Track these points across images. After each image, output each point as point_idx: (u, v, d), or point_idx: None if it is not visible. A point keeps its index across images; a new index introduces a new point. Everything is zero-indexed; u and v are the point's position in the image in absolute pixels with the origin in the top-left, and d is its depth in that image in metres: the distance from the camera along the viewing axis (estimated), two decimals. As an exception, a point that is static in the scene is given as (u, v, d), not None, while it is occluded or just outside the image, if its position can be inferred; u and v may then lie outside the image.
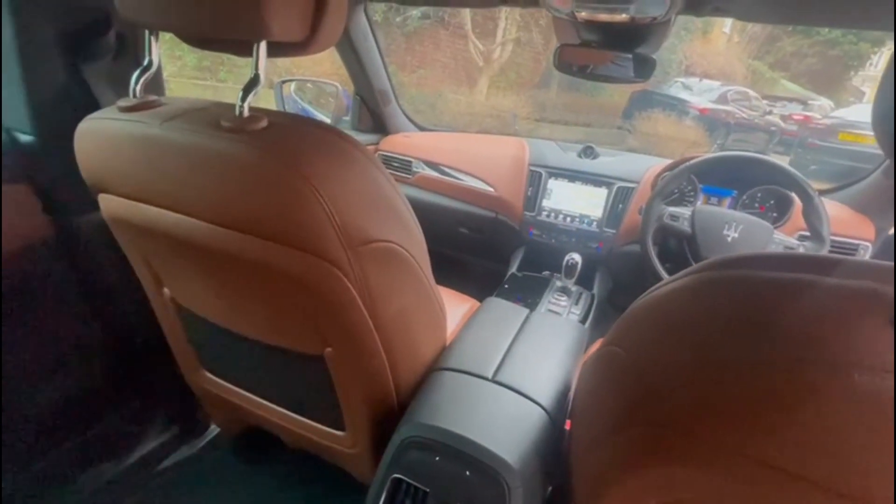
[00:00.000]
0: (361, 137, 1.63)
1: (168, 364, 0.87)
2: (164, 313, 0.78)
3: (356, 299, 0.56)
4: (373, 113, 1.64)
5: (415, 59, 7.07)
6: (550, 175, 1.43)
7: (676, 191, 1.28)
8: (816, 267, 0.33)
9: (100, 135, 0.56)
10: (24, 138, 0.72)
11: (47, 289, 0.79)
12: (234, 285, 0.62)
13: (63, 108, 0.68)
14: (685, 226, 1.11)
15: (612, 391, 0.44)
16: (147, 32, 0.57)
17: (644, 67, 1.05)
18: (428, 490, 0.56)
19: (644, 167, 1.35)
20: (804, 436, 0.29)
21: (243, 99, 0.50)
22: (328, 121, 1.71)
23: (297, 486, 1.07)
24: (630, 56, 1.04)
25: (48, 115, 0.70)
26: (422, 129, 1.79)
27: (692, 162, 1.16)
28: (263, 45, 0.49)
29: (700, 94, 6.56)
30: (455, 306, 1.04)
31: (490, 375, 0.69)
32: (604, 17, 0.90)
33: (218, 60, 5.13)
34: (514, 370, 0.71)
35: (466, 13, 6.50)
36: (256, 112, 0.52)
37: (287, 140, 0.49)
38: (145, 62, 0.58)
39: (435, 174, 1.57)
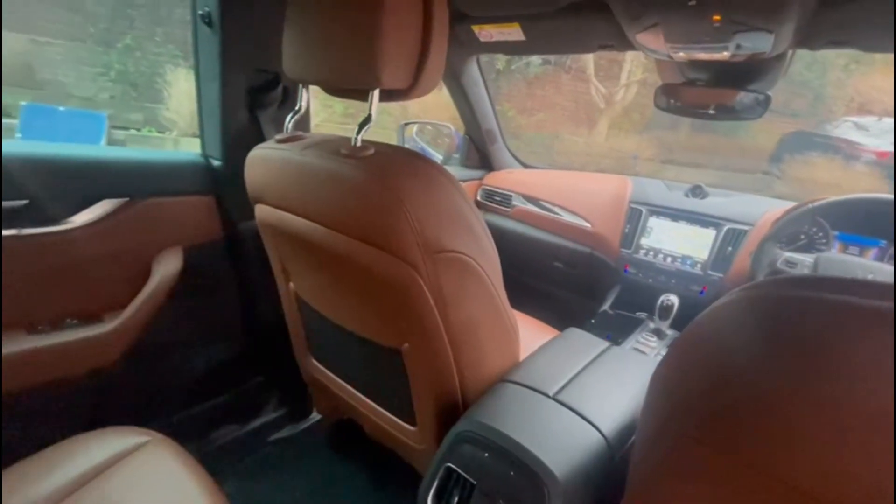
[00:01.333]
0: (467, 173, 1.78)
1: (287, 351, 1.06)
2: (288, 304, 0.97)
3: (429, 300, 0.65)
4: (480, 151, 1.79)
5: (535, 103, 7.29)
6: (652, 213, 1.39)
7: (803, 236, 1.15)
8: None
9: (262, 160, 0.77)
10: (216, 163, 0.99)
11: (213, 276, 1.04)
12: (338, 281, 0.76)
13: (242, 142, 0.92)
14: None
15: (650, 405, 0.45)
16: (300, 86, 0.76)
17: (756, 105, 1.00)
18: (475, 482, 0.61)
19: (761, 209, 1.24)
20: (820, 456, 0.29)
21: (357, 133, 0.65)
22: (440, 158, 1.91)
23: (369, 477, 1.17)
24: (741, 93, 1.01)
25: (233, 147, 0.95)
26: (526, 166, 1.88)
27: (818, 203, 1.04)
28: (376, 93, 0.64)
29: (879, 135, 5.56)
30: (537, 333, 1.07)
31: (551, 393, 0.72)
32: (702, 56, 0.91)
33: (361, 109, 5.96)
34: (578, 393, 0.73)
35: (589, 58, 6.57)
36: (367, 143, 0.66)
37: (386, 164, 0.62)
38: (297, 107, 0.78)
39: (533, 208, 1.63)
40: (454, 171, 1.78)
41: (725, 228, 1.26)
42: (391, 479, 1.15)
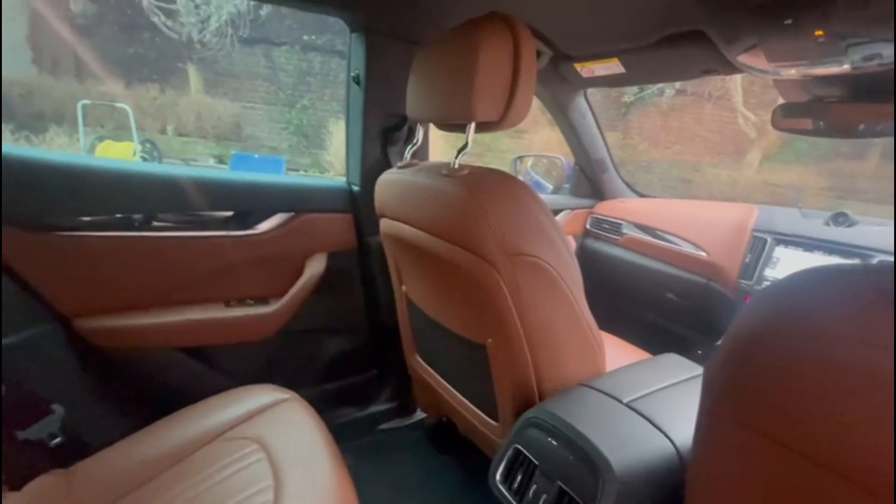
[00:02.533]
0: (576, 201, 1.83)
1: (399, 350, 1.23)
2: (400, 305, 1.15)
3: (507, 298, 0.75)
4: (590, 180, 1.83)
5: (670, 135, 6.85)
6: (779, 242, 1.26)
7: None
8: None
9: (386, 183, 0.97)
10: (355, 188, 1.24)
11: (347, 278, 1.29)
12: (437, 280, 0.91)
13: (375, 171, 1.14)
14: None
15: (701, 401, 0.48)
16: (418, 123, 0.96)
17: (900, 118, 0.90)
18: (537, 463, 0.67)
19: (928, 239, 1.05)
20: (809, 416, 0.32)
21: (455, 157, 0.80)
22: (550, 188, 1.99)
23: (460, 474, 1.26)
24: (883, 106, 0.92)
25: (368, 175, 1.20)
26: (640, 195, 1.85)
27: None
28: (472, 125, 0.78)
29: None
30: (634, 358, 1.07)
31: (625, 400, 0.74)
32: (820, 71, 0.86)
33: (486, 148, 6.34)
34: (654, 404, 0.74)
35: (737, 86, 5.98)
36: (464, 166, 0.81)
37: (475, 181, 0.75)
38: (415, 140, 0.97)
39: (644, 237, 1.60)
40: (564, 199, 1.84)
41: (876, 261, 1.09)
42: (480, 479, 1.23)
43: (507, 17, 0.75)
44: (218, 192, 1.10)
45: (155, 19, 5.63)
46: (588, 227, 1.83)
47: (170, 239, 1.05)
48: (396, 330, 1.20)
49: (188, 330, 1.07)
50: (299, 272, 1.20)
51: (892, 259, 1.15)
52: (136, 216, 1.03)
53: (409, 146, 0.98)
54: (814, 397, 0.34)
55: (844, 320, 0.34)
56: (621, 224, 1.69)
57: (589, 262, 1.79)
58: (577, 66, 1.26)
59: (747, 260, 1.30)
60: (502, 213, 0.72)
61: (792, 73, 0.90)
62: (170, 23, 5.79)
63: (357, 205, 1.24)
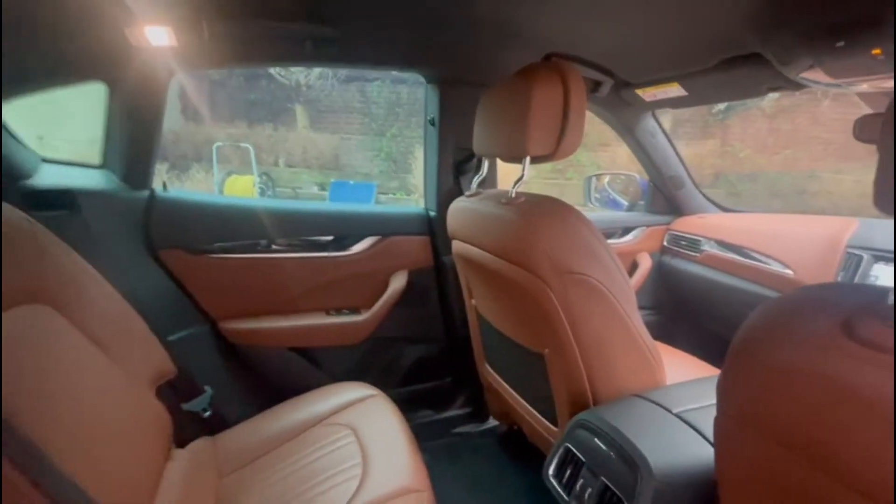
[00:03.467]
0: (651, 218, 1.82)
1: (471, 359, 1.35)
2: (471, 317, 1.27)
3: (559, 312, 0.84)
4: (665, 196, 1.81)
5: (780, 138, 6.17)
6: (878, 259, 1.16)
7: None
8: None
9: (456, 209, 1.11)
10: (432, 214, 1.41)
11: (425, 293, 1.45)
12: (500, 295, 1.02)
13: (448, 198, 1.29)
14: None
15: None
16: (483, 157, 1.10)
17: None
18: (585, 461, 0.74)
19: None
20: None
21: (513, 187, 0.92)
22: (625, 205, 1.99)
23: (528, 481, 1.32)
24: None
25: (442, 202, 1.36)
26: (725, 210, 1.78)
27: None
28: (527, 159, 0.90)
29: None
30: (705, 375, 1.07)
31: (674, 410, 0.78)
32: (890, 85, 0.84)
33: (568, 163, 6.29)
34: (705, 416, 0.77)
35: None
36: (521, 194, 0.93)
37: (529, 207, 0.86)
38: (481, 172, 1.11)
39: (724, 253, 1.55)
40: (639, 216, 1.84)
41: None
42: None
43: (559, 63, 0.86)
44: (320, 221, 1.34)
45: (271, 69, 6.57)
46: (665, 243, 1.81)
47: (284, 259, 1.31)
48: (469, 341, 1.33)
49: (297, 333, 1.31)
50: (385, 287, 1.39)
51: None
52: (261, 241, 1.30)
53: (476, 177, 1.12)
54: (805, 404, 0.39)
55: (825, 332, 0.39)
56: (700, 241, 1.64)
57: (666, 278, 1.76)
58: (640, 92, 1.31)
59: (839, 278, 1.21)
60: (553, 235, 0.81)
61: (863, 87, 0.88)
62: (282, 71, 6.71)
63: (433, 228, 1.41)
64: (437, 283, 1.46)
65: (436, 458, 1.41)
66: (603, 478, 0.70)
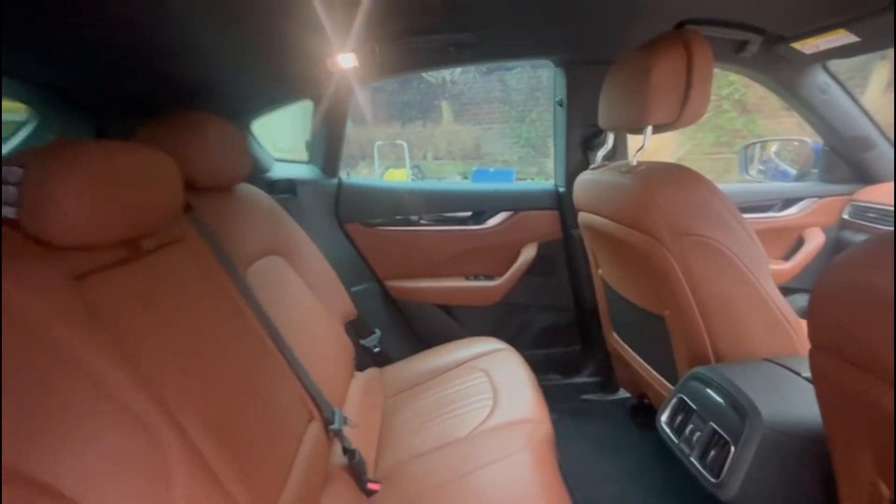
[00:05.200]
0: (824, 188, 1.58)
1: (599, 329, 1.42)
2: (597, 286, 1.34)
3: (678, 274, 0.88)
4: (848, 162, 1.55)
5: None
6: None
7: None
8: None
9: (581, 182, 1.20)
10: (561, 189, 1.51)
11: (554, 264, 1.56)
12: (622, 260, 1.08)
13: (576, 173, 1.37)
14: None
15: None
16: (607, 131, 1.16)
17: None
18: (695, 408, 0.79)
19: None
20: None
21: (633, 156, 0.98)
22: (793, 175, 1.75)
23: (654, 455, 1.33)
24: None
25: (571, 177, 1.44)
26: (936, 174, 1.46)
27: None
28: (649, 129, 0.94)
29: None
30: None
31: (803, 374, 0.77)
32: None
33: (737, 135, 5.46)
34: None
35: None
36: (642, 162, 0.98)
37: (647, 173, 0.92)
38: (606, 145, 1.17)
39: (927, 225, 1.29)
40: (809, 186, 1.62)
41: None
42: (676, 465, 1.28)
43: (683, 31, 0.88)
44: (461, 199, 1.56)
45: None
46: (846, 216, 1.55)
47: (433, 231, 1.57)
48: (597, 311, 1.40)
49: (442, 293, 1.56)
50: (516, 257, 1.55)
51: None
52: (416, 217, 1.58)
53: (601, 151, 1.18)
54: (882, 325, 0.40)
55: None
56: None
57: None
58: (797, 46, 1.18)
59: None
60: (670, 198, 0.86)
61: None
62: (431, 72, 7.29)
63: (562, 203, 1.51)
64: (565, 255, 1.56)
65: (563, 416, 1.52)
66: (712, 423, 0.75)
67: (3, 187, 0.49)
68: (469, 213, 1.60)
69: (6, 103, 0.92)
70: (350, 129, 1.51)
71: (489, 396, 1.08)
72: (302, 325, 1.03)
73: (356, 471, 0.89)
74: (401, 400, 1.20)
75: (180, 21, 0.73)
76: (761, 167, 1.93)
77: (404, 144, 6.04)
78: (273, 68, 1.11)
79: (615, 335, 1.33)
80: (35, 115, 0.95)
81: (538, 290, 1.59)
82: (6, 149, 0.93)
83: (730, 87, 5.43)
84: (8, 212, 0.49)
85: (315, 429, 0.86)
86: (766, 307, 0.86)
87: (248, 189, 1.13)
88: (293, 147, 1.70)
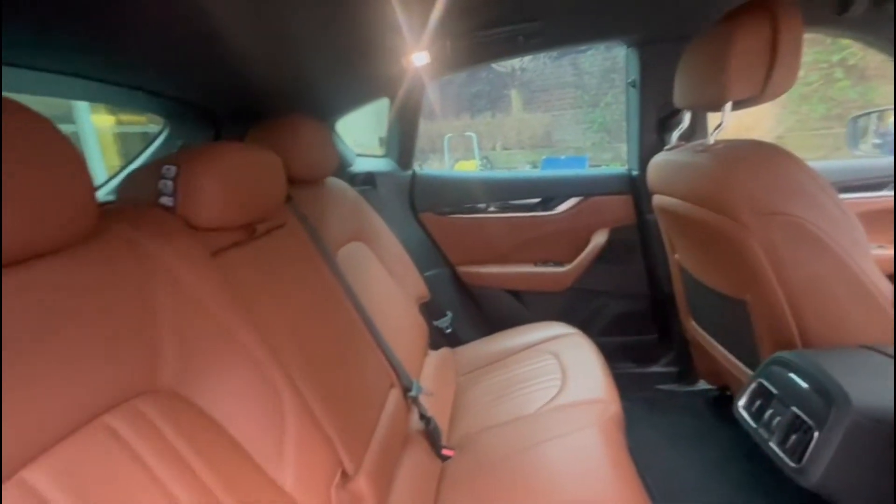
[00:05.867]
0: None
1: (677, 318, 1.37)
2: (674, 272, 1.30)
3: (760, 255, 0.84)
4: None
5: None
6: None
7: None
8: None
9: (655, 164, 1.17)
10: (634, 173, 1.47)
11: (627, 250, 1.53)
12: (700, 244, 1.05)
13: (651, 156, 1.33)
14: None
15: None
16: (684, 110, 1.12)
17: None
18: (776, 392, 0.76)
19: None
20: None
21: (711, 134, 0.94)
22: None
23: (735, 452, 1.26)
24: None
25: (645, 161, 1.40)
26: None
27: None
28: (728, 105, 0.90)
29: None
30: None
31: None
32: None
33: (852, 105, 4.79)
34: None
35: None
36: (720, 141, 0.94)
37: (725, 151, 0.88)
38: (682, 125, 1.13)
39: None
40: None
41: None
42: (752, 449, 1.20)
43: (764, 2, 0.84)
44: (529, 186, 1.58)
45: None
46: None
47: (502, 218, 1.61)
48: (674, 299, 1.35)
49: (511, 278, 1.60)
50: (586, 243, 1.54)
51: None
52: (485, 205, 1.63)
53: (677, 131, 1.14)
54: None
55: None
56: None
57: None
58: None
59: None
60: (750, 176, 0.82)
61: None
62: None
63: (636, 187, 1.47)
64: (640, 240, 1.52)
65: (635, 405, 1.49)
66: (793, 407, 0.72)
67: (162, 181, 0.62)
68: (538, 200, 1.61)
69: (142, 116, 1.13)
70: (420, 125, 1.59)
71: (558, 377, 1.11)
72: (381, 304, 1.13)
73: (432, 436, 0.97)
74: (472, 378, 1.27)
75: (284, 35, 0.84)
76: (877, 140, 1.71)
77: (473, 136, 6.09)
78: (355, 70, 1.22)
79: (693, 323, 1.29)
80: (167, 125, 1.14)
81: (610, 277, 1.57)
82: (149, 153, 1.13)
83: (842, 51, 4.76)
84: (166, 201, 0.62)
85: (395, 395, 0.96)
86: (864, 291, 0.80)
87: (334, 182, 1.26)
88: (368, 144, 1.84)
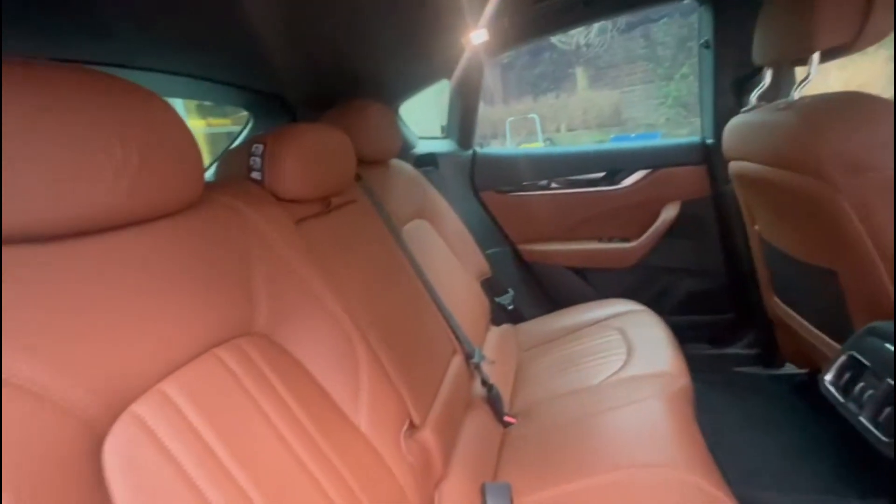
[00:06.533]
0: None
1: (758, 297, 1.27)
2: (754, 245, 1.21)
3: (853, 220, 0.77)
4: None
5: None
6: None
7: None
8: None
9: (730, 127, 1.08)
10: (708, 142, 1.38)
11: (699, 225, 1.44)
12: (783, 212, 0.98)
13: (726, 119, 1.24)
14: None
15: None
16: (764, 68, 1.03)
17: None
18: (869, 365, 0.70)
19: None
20: None
21: (795, 91, 0.87)
22: None
23: (819, 431, 1.16)
24: None
25: (720, 126, 1.31)
26: None
27: None
28: (816, 56, 0.83)
29: None
30: None
31: None
32: None
33: None
34: None
35: None
36: (805, 96, 0.86)
37: (810, 105, 0.81)
38: (761, 84, 1.04)
39: None
40: None
41: None
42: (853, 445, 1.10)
43: None
44: (594, 160, 1.54)
45: (552, 39, 6.92)
46: None
47: (565, 195, 1.59)
48: (754, 275, 1.26)
49: (574, 255, 1.58)
50: (654, 218, 1.47)
51: None
52: (547, 181, 1.62)
53: (756, 91, 1.06)
54: None
55: None
56: None
57: None
58: None
59: None
60: (841, 130, 0.75)
61: None
62: (563, 38, 6.96)
63: (711, 157, 1.38)
64: (715, 214, 1.43)
65: (710, 387, 1.41)
66: (889, 379, 0.66)
67: (252, 158, 0.71)
68: (602, 175, 1.57)
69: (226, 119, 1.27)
70: (482, 110, 1.61)
71: (623, 351, 1.10)
72: (443, 278, 1.18)
73: (494, 403, 1.01)
74: (534, 353, 1.28)
75: (354, 22, 0.90)
76: None
77: (536, 118, 5.95)
78: (417, 52, 1.26)
79: (777, 299, 1.20)
80: (251, 117, 1.27)
81: (681, 253, 1.49)
82: (238, 142, 1.27)
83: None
84: (255, 175, 0.71)
85: (458, 361, 1.00)
86: None
87: (399, 163, 1.32)
88: (431, 132, 1.88)
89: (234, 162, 0.77)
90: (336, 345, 0.66)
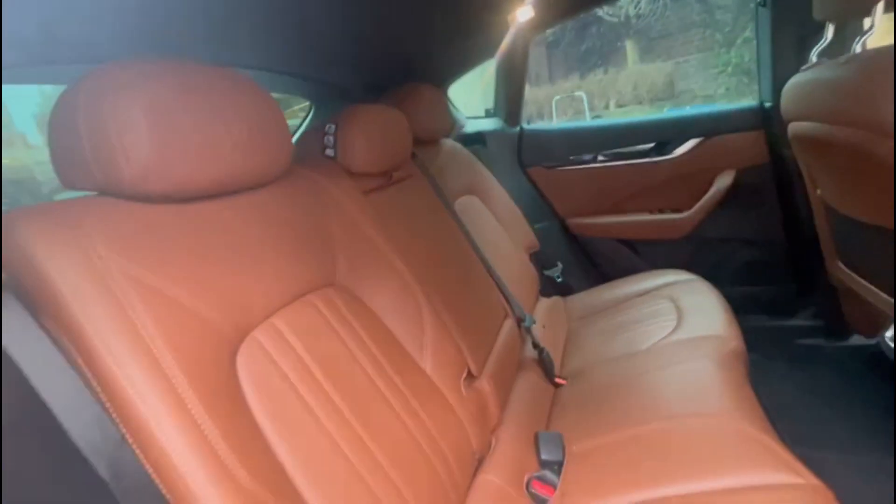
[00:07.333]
0: None
1: (822, 266, 1.23)
2: (817, 210, 1.17)
3: None
4: None
5: None
6: None
7: None
8: None
9: (791, 85, 1.04)
10: (767, 105, 1.33)
11: (756, 193, 1.40)
12: (844, 172, 0.95)
13: (786, 80, 1.18)
14: None
15: None
16: (826, 24, 0.99)
17: None
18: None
19: None
20: None
21: (857, 43, 0.84)
22: None
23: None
24: None
25: (779, 87, 1.26)
26: None
27: None
28: (880, 4, 0.80)
29: None
30: None
31: None
32: None
33: None
34: None
35: None
36: (869, 49, 0.83)
37: (872, 57, 0.78)
38: (822, 40, 1.01)
39: None
40: None
41: None
42: None
43: None
44: (643, 130, 1.53)
45: (599, 12, 6.64)
46: None
47: (613, 167, 1.59)
48: (817, 243, 1.22)
49: (624, 228, 1.59)
50: (707, 187, 1.45)
51: None
52: (595, 155, 1.63)
53: (816, 47, 1.02)
54: None
55: None
56: None
57: None
58: None
59: None
60: (882, 78, 0.73)
61: None
62: (611, 11, 6.66)
63: (769, 121, 1.33)
64: (775, 181, 1.38)
65: (770, 359, 1.38)
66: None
67: (326, 137, 0.81)
68: (651, 145, 1.55)
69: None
70: (528, 91, 1.64)
71: (674, 317, 1.11)
72: (494, 249, 1.24)
73: (545, 365, 1.07)
74: (584, 323, 1.32)
75: (408, 10, 0.98)
76: None
77: (583, 95, 5.78)
78: (466, 33, 1.31)
79: (842, 266, 1.15)
80: (312, 106, 1.38)
81: (737, 222, 1.46)
82: (302, 130, 1.39)
83: None
84: (329, 152, 0.81)
85: (510, 324, 1.07)
86: None
87: (449, 142, 1.39)
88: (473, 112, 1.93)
89: (308, 143, 0.87)
90: (402, 298, 0.75)
